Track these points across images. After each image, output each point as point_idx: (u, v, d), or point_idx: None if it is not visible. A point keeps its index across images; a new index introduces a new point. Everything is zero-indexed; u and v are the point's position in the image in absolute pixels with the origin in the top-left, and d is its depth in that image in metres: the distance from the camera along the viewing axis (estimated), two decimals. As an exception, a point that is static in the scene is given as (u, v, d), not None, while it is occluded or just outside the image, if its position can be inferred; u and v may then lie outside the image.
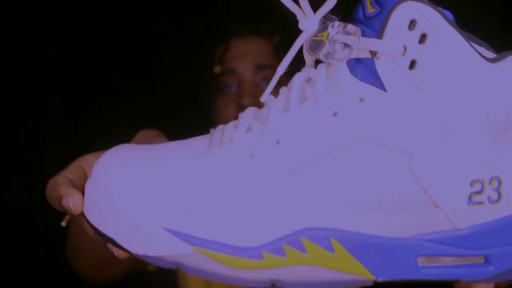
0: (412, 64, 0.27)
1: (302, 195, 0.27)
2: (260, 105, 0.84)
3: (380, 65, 0.27)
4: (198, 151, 0.29)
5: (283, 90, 0.31)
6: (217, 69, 0.84)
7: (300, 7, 0.28)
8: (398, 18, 0.26)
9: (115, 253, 0.30)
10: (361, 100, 0.27)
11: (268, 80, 0.82)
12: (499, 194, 0.28)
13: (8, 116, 1.08)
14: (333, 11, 0.28)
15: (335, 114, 0.28)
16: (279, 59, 0.91)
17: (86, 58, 1.13)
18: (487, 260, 0.29)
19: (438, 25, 0.26)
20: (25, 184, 1.02)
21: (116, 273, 0.67)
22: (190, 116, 1.00)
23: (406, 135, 0.27)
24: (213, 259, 0.27)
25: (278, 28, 0.85)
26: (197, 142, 0.30)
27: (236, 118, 0.92)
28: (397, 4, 0.26)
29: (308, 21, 0.28)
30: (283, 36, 0.85)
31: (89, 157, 0.35)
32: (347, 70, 0.28)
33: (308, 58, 0.31)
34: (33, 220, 1.06)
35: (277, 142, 0.28)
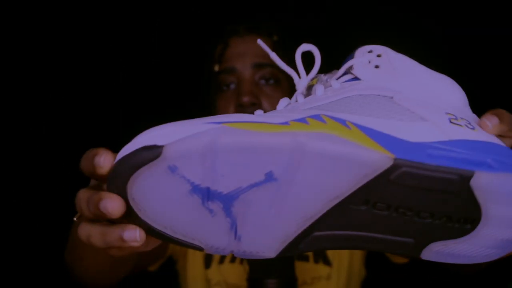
0: (376, 67, 0.40)
1: (318, 110, 0.34)
2: (259, 104, 0.89)
3: (356, 71, 0.40)
4: None
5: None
6: (216, 68, 0.81)
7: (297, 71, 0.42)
8: (360, 50, 0.41)
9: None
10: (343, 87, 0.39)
11: (267, 79, 0.80)
12: (473, 128, 0.35)
13: (8, 116, 1.08)
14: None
15: (330, 95, 0.38)
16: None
17: (87, 57, 1.13)
18: (490, 165, 0.31)
19: (387, 50, 0.40)
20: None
21: (120, 273, 0.68)
22: (190, 114, 1.01)
23: (384, 90, 0.37)
24: (243, 128, 0.28)
25: (277, 27, 0.84)
26: None
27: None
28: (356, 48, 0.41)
29: (302, 81, 0.41)
30: (282, 35, 0.84)
31: None
32: (337, 82, 0.40)
33: None
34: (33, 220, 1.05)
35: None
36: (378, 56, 0.40)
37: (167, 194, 0.30)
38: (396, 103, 0.35)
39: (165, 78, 1.16)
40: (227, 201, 0.30)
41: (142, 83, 1.16)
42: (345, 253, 0.86)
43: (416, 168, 0.29)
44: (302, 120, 0.29)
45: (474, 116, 0.37)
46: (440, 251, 0.32)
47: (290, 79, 0.48)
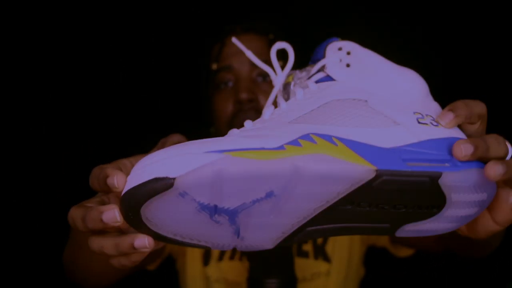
0: (348, 65, 0.42)
1: (304, 125, 0.37)
2: (256, 100, 0.89)
3: (329, 70, 0.42)
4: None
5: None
6: (214, 66, 0.83)
7: (273, 68, 0.45)
8: (331, 48, 0.43)
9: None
10: (320, 89, 0.42)
11: (264, 76, 0.83)
12: (437, 124, 0.39)
13: (8, 116, 1.07)
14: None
15: (309, 98, 0.41)
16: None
17: (86, 57, 1.12)
18: (453, 162, 0.36)
19: (356, 47, 0.43)
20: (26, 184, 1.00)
21: (125, 272, 0.65)
22: (189, 112, 1.01)
23: (357, 92, 0.41)
24: (245, 157, 0.32)
25: (273, 26, 0.86)
26: None
27: (233, 113, 0.94)
28: (328, 44, 0.44)
29: (278, 77, 0.45)
30: (278, 34, 0.86)
31: (124, 160, 0.41)
32: (314, 83, 0.42)
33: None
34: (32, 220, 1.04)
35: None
36: (348, 53, 0.42)
37: (177, 213, 0.34)
38: (370, 107, 0.39)
39: (163, 77, 1.16)
40: (232, 214, 0.35)
41: (140, 82, 1.16)
42: (344, 250, 0.86)
43: (394, 175, 0.34)
44: (295, 143, 0.34)
45: (435, 105, 0.42)
46: (411, 230, 0.38)
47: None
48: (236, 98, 0.83)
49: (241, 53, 0.84)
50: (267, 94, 0.83)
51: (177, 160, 0.32)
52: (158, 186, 0.32)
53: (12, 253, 1.05)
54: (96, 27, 1.12)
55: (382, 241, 0.88)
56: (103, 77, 1.13)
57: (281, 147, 0.33)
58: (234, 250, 0.87)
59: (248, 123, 0.39)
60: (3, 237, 1.05)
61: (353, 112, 0.38)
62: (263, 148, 0.33)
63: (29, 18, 1.10)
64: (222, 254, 0.88)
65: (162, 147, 0.43)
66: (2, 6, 1.07)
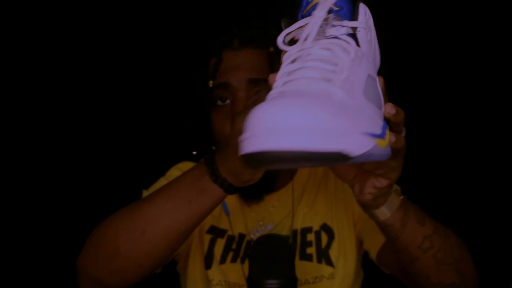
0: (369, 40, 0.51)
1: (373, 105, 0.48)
2: None
3: (359, 35, 0.49)
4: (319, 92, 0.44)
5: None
6: (210, 83, 0.79)
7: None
8: (363, 8, 0.50)
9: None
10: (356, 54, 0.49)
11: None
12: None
13: (8, 115, 1.07)
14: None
15: (358, 64, 0.47)
16: (274, 70, 0.86)
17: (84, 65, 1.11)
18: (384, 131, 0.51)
19: (371, 17, 0.51)
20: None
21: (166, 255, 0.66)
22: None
23: (373, 66, 0.50)
24: (379, 146, 0.44)
25: (273, 37, 0.77)
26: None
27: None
28: (358, 2, 0.50)
29: (320, 11, 0.46)
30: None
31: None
32: (354, 42, 0.49)
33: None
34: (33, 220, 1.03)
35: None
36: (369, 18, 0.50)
37: None
38: (377, 87, 0.50)
39: (162, 80, 1.16)
40: None
41: (140, 84, 1.16)
42: (348, 254, 0.87)
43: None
44: (384, 134, 0.47)
45: None
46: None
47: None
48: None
49: (239, 69, 0.80)
50: None
51: (354, 141, 0.39)
52: (335, 158, 0.37)
53: (12, 253, 1.05)
54: (95, 33, 1.12)
55: (372, 254, 0.87)
56: (103, 81, 1.14)
57: (383, 135, 0.46)
58: (236, 253, 0.87)
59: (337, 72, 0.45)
60: (3, 237, 1.05)
61: (377, 94, 0.49)
62: (380, 136, 0.45)
63: (29, 18, 1.10)
64: (224, 257, 0.88)
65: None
66: (2, 6, 1.07)
